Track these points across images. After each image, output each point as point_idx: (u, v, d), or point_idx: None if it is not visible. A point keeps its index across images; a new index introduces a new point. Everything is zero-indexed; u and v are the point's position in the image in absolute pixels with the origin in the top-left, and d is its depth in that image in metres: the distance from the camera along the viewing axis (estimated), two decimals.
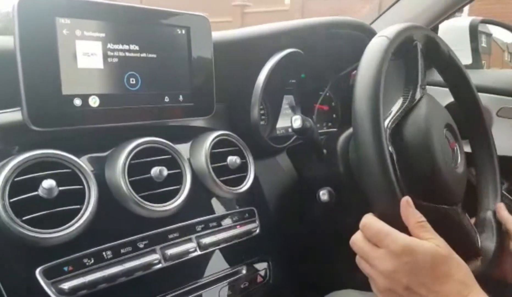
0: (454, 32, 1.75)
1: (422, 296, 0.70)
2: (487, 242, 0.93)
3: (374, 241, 0.74)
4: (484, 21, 1.85)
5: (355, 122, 0.75)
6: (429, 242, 0.71)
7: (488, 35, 1.86)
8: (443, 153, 0.85)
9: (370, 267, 0.75)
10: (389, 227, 0.73)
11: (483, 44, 1.78)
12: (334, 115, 1.48)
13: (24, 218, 0.70)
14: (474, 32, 1.77)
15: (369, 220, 0.76)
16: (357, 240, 0.77)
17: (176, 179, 0.89)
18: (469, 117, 1.04)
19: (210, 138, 0.97)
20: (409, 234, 0.73)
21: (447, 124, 0.91)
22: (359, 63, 0.80)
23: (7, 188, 0.70)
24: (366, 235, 0.76)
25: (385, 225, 0.74)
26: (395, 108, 0.86)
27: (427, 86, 1.61)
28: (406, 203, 0.74)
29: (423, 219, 0.74)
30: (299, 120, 0.97)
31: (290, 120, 0.99)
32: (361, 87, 0.75)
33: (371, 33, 1.27)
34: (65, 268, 0.73)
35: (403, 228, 0.73)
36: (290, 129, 1.35)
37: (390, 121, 0.83)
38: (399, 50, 0.83)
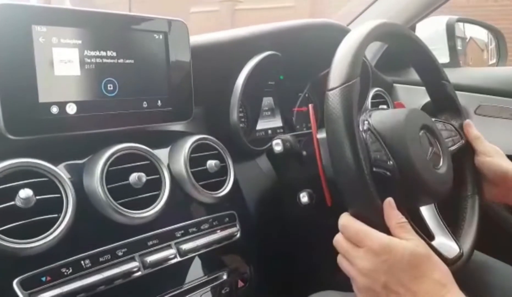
0: (431, 31, 1.77)
1: (400, 295, 0.71)
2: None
3: (354, 241, 0.76)
4: (461, 20, 1.87)
5: (327, 121, 0.76)
6: (408, 241, 0.73)
7: (463, 39, 1.89)
8: (419, 156, 0.86)
9: (350, 266, 0.76)
10: (368, 227, 0.75)
11: (459, 47, 1.81)
12: None
13: (1, 229, 0.69)
14: (451, 31, 1.79)
15: (347, 221, 0.77)
16: (340, 238, 0.79)
17: (155, 185, 0.89)
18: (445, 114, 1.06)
19: (189, 143, 0.97)
20: (389, 234, 0.74)
21: (423, 126, 0.92)
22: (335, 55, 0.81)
23: None
24: (346, 235, 0.77)
25: (364, 225, 0.75)
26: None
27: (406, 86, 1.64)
28: (389, 204, 0.76)
29: (404, 220, 0.75)
30: (280, 145, 0.98)
31: (271, 144, 1.00)
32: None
33: None
34: (43, 278, 0.72)
35: (383, 228, 0.75)
36: (270, 132, 1.35)
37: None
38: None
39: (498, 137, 1.52)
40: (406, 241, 0.73)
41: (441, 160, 0.93)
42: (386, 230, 0.75)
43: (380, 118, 0.88)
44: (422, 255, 0.72)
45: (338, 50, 0.82)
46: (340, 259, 0.79)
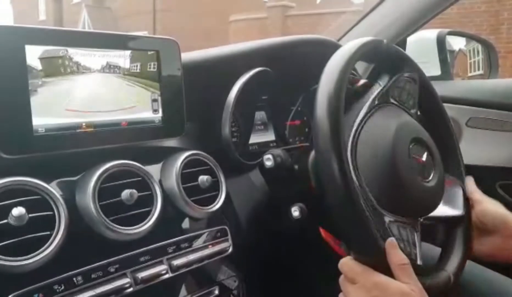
0: (422, 45, 1.79)
1: None
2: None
3: (350, 279, 0.79)
4: (452, 33, 1.88)
5: (317, 149, 0.78)
6: (404, 284, 0.74)
7: (451, 52, 1.91)
8: (406, 169, 0.87)
9: None
10: (364, 266, 0.77)
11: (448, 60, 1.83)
12: (306, 130, 1.50)
13: None
14: (442, 44, 1.81)
15: (346, 262, 0.81)
16: (341, 277, 0.82)
17: (147, 201, 0.89)
18: (435, 129, 1.07)
19: (180, 159, 0.98)
20: (390, 274, 0.75)
21: (414, 138, 0.92)
22: (321, 75, 0.83)
23: None
24: (344, 274, 0.80)
25: (360, 265, 0.78)
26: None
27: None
28: (391, 244, 0.77)
29: (406, 261, 0.76)
30: (271, 160, 0.99)
31: (262, 159, 1.01)
32: (321, 103, 0.78)
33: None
34: (36, 296, 0.73)
35: (384, 269, 0.76)
36: (262, 145, 1.36)
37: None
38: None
39: (488, 149, 1.54)
40: (402, 283, 0.74)
41: (432, 173, 0.94)
42: (388, 271, 0.76)
43: (371, 129, 0.89)
44: None
45: (322, 79, 0.83)
46: (340, 295, 0.82)
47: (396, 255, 0.76)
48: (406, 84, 0.98)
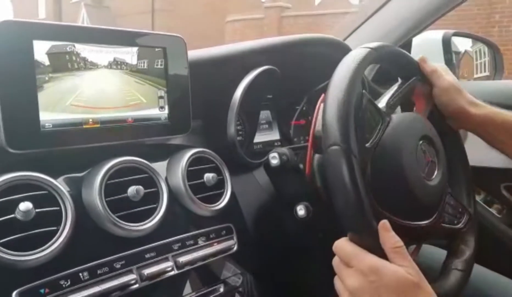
0: (427, 45, 1.78)
1: None
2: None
3: (345, 262, 0.77)
4: (457, 34, 1.88)
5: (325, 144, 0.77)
6: (399, 267, 0.72)
7: (457, 53, 1.91)
8: (412, 166, 0.86)
9: (341, 284, 0.78)
10: (358, 248, 0.76)
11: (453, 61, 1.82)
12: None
13: (0, 241, 0.70)
14: (447, 45, 1.80)
15: (340, 243, 0.79)
16: (336, 258, 0.80)
17: (153, 198, 0.89)
18: (441, 129, 1.06)
19: (186, 156, 0.98)
20: (386, 258, 0.74)
21: (423, 136, 0.92)
22: (331, 78, 0.82)
23: None
24: (339, 256, 0.79)
25: (355, 247, 0.76)
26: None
27: None
28: (383, 227, 0.75)
29: (400, 244, 0.75)
30: (276, 158, 0.99)
31: (268, 157, 1.01)
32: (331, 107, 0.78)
33: (345, 49, 1.29)
34: (42, 291, 0.73)
35: (379, 253, 0.75)
36: (267, 144, 1.36)
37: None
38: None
39: (493, 151, 1.53)
40: (398, 266, 0.73)
41: (435, 172, 0.94)
42: (383, 254, 0.75)
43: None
44: (412, 283, 0.71)
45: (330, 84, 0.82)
46: (335, 278, 0.81)
47: (389, 238, 0.74)
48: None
